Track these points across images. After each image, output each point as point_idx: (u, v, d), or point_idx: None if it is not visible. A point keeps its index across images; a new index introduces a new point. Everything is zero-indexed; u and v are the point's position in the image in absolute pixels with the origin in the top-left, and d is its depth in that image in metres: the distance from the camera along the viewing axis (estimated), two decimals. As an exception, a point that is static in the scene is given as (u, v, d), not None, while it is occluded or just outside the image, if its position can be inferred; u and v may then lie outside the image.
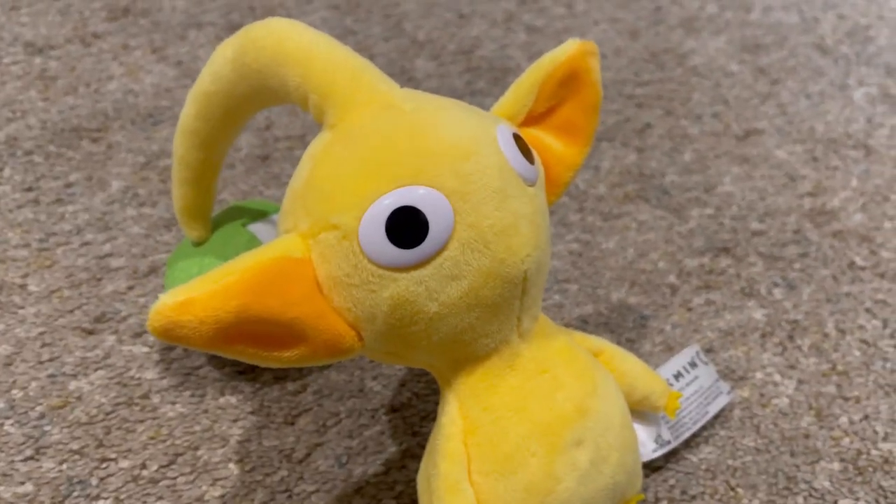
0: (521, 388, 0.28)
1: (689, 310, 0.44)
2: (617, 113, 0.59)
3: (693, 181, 0.53)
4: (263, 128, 0.56)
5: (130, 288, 0.43)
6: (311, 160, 0.27)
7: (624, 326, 0.43)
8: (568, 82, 0.31)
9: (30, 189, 0.49)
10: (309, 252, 0.26)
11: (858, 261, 0.47)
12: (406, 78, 0.62)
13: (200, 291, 0.23)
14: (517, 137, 0.28)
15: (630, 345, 0.42)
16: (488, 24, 0.70)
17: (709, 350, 0.42)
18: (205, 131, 0.32)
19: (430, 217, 0.25)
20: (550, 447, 0.28)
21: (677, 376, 0.37)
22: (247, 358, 0.25)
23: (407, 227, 0.24)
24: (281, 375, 0.39)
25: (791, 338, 0.42)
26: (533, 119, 0.31)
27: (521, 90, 0.31)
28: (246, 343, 0.25)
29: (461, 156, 0.26)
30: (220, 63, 0.29)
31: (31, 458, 0.35)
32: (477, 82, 0.62)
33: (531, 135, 0.31)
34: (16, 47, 0.62)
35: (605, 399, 0.30)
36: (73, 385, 0.38)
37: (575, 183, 0.53)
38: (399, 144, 0.25)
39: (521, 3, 0.74)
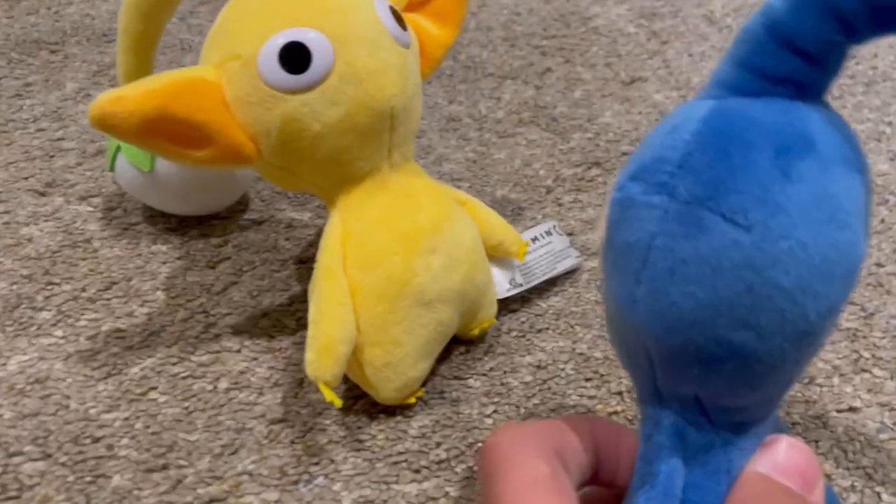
0: (388, 205, 0.36)
1: (560, 205, 0.52)
2: (522, 58, 0.68)
3: (579, 113, 0.61)
4: (207, 52, 0.63)
5: (79, 164, 0.50)
6: (224, 9, 0.34)
7: (503, 213, 0.50)
8: (442, -22, 0.39)
9: (-8, 86, 0.55)
10: (219, 78, 0.33)
11: (707, 176, 0.56)
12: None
13: (131, 91, 0.30)
14: (392, 9, 0.36)
15: (505, 226, 0.49)
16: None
17: (570, 234, 0.50)
18: (144, 4, 0.39)
19: (314, 52, 0.32)
20: (409, 250, 0.35)
21: (534, 240, 0.45)
22: (166, 154, 0.32)
23: (295, 57, 0.32)
24: (206, 232, 0.46)
25: (640, 227, 0.51)
26: (413, 6, 0.39)
27: (404, -18, 0.39)
28: (165, 138, 0.32)
29: (342, 10, 0.33)
30: (160, -59, 0.37)
31: (-15, 280, 0.41)
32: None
33: (412, 19, 0.39)
34: (-17, -26, 0.68)
35: (459, 225, 0.37)
36: (24, 230, 0.45)
37: (477, 108, 0.61)
38: (294, -2, 0.33)
39: (452, -31, 0.82)
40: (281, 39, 0.32)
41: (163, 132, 0.31)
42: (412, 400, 0.37)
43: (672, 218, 0.20)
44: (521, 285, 0.43)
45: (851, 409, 0.40)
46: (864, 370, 0.42)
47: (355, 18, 0.33)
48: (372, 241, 0.35)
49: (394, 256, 0.35)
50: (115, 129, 0.30)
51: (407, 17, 0.39)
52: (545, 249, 0.45)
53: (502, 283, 0.42)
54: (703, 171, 0.20)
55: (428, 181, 0.38)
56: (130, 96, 0.30)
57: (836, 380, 0.42)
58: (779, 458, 0.23)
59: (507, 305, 0.44)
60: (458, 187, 0.52)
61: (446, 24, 0.40)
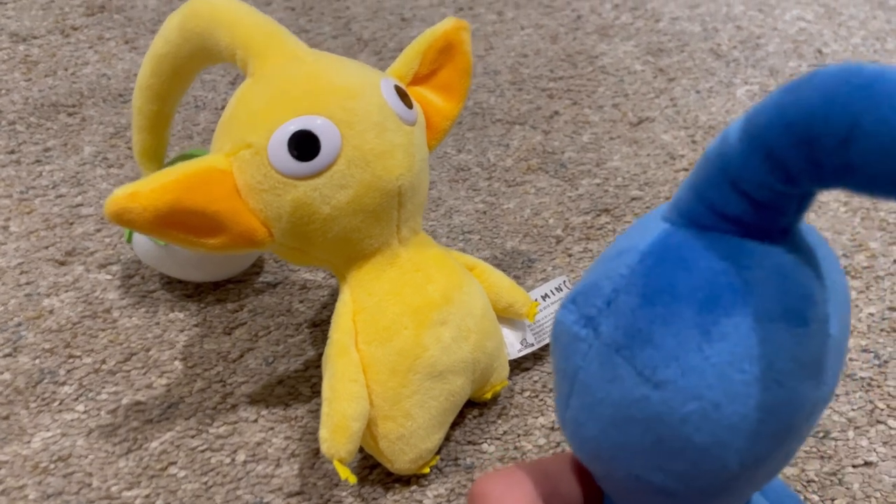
0: (398, 279, 0.36)
1: (570, 255, 0.52)
2: (530, 102, 0.68)
3: (587, 157, 0.62)
4: (220, 107, 0.64)
5: (98, 230, 0.51)
6: (235, 98, 0.35)
7: (513, 266, 0.51)
8: (445, 50, 0.40)
9: (12, 152, 0.57)
10: (231, 166, 0.34)
11: (717, 220, 0.56)
12: (349, 70, 0.70)
13: (145, 186, 0.31)
14: (398, 88, 0.36)
15: (516, 280, 0.50)
16: (427, 26, 0.79)
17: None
18: (157, 85, 0.40)
19: (322, 139, 0.33)
20: (419, 324, 0.36)
21: (544, 297, 0.45)
22: (181, 243, 0.33)
23: (304, 145, 0.33)
24: (222, 297, 0.47)
25: (650, 277, 0.51)
26: (419, 80, 0.40)
27: (408, 56, 0.39)
28: (179, 230, 0.33)
29: (349, 95, 0.34)
30: (170, 29, 0.38)
31: (9, 355, 0.43)
32: (412, 75, 0.71)
33: (417, 92, 0.40)
34: (1, 37, 0.70)
35: (468, 294, 0.38)
36: (46, 302, 0.46)
37: (486, 156, 0.61)
38: (301, 85, 0.34)
39: (458, 10, 0.83)
40: (291, 127, 0.33)
41: (177, 224, 0.32)
42: (426, 470, 0.37)
43: (594, 356, 0.20)
44: (532, 345, 0.43)
45: (867, 464, 0.40)
46: (879, 422, 0.42)
47: (362, 103, 0.34)
48: (383, 316, 0.36)
49: (404, 331, 0.36)
50: (131, 223, 0.31)
51: (412, 90, 0.40)
52: (556, 306, 0.45)
53: (514, 344, 0.43)
54: (626, 316, 0.19)
55: (437, 251, 0.39)
56: (144, 192, 0.31)
57: (850, 433, 0.42)
58: None
59: (519, 364, 0.44)
60: (469, 240, 0.53)
61: (451, 97, 0.40)
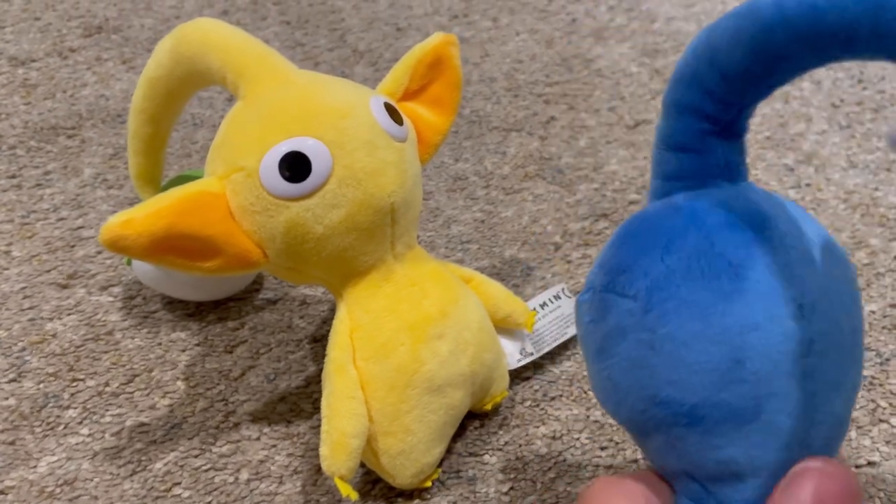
0: (394, 295, 0.37)
1: (569, 262, 0.52)
2: (526, 108, 0.68)
3: (585, 162, 0.62)
4: (218, 125, 0.64)
5: (99, 252, 0.51)
6: (226, 122, 0.35)
7: (512, 275, 0.51)
8: (435, 65, 0.40)
9: (13, 176, 0.57)
10: (224, 189, 0.34)
11: (715, 222, 0.56)
12: (346, 82, 0.70)
13: (139, 213, 0.32)
14: (388, 105, 0.37)
15: (515, 289, 0.50)
16: (422, 35, 0.80)
17: (579, 293, 0.50)
18: (151, 109, 0.40)
19: (313, 159, 0.33)
20: (416, 339, 0.36)
21: (543, 305, 0.45)
22: (177, 267, 0.33)
23: (295, 166, 0.33)
24: (223, 316, 0.47)
25: (649, 281, 0.51)
26: (409, 95, 0.40)
27: (398, 72, 0.40)
28: (175, 254, 0.33)
29: (339, 116, 0.34)
30: (162, 53, 0.38)
31: (13, 380, 0.43)
32: (408, 85, 0.71)
33: (408, 107, 0.40)
34: (1, 61, 0.71)
35: (464, 307, 0.38)
36: (49, 326, 0.46)
37: (483, 164, 0.62)
38: (291, 107, 0.34)
39: (453, 17, 0.83)
40: (282, 149, 0.33)
41: (172, 248, 0.33)
42: (428, 483, 0.38)
43: (593, 308, 0.26)
44: (531, 354, 0.43)
45: (870, 464, 0.40)
46: (881, 420, 0.42)
47: (352, 122, 0.34)
48: (379, 332, 0.36)
49: (401, 347, 0.36)
50: (126, 250, 0.32)
51: (403, 105, 0.40)
52: (555, 315, 0.45)
53: (513, 354, 0.43)
54: (606, 264, 0.26)
55: (432, 266, 0.39)
56: (139, 218, 0.32)
57: (853, 433, 0.41)
58: (807, 497, 0.21)
59: (519, 374, 0.44)
60: (468, 250, 0.53)
61: (442, 111, 0.41)
